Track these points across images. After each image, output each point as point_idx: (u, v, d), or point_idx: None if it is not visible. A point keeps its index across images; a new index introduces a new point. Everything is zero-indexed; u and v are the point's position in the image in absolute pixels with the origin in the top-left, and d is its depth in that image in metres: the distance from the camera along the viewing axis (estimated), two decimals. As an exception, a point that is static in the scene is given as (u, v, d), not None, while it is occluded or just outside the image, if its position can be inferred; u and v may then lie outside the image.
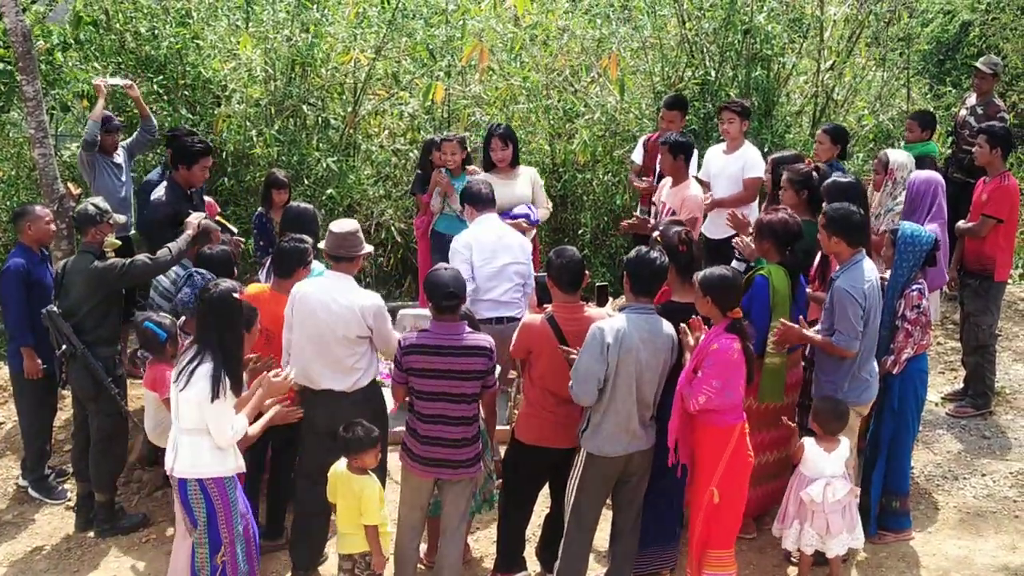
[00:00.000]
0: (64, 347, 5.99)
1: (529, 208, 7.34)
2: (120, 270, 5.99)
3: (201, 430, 4.70)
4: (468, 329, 5.04)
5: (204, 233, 6.41)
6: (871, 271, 5.43)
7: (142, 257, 6.09)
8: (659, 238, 5.35)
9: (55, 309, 5.98)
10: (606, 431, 4.88)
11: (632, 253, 5.02)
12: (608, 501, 5.27)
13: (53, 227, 6.52)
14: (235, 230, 7.24)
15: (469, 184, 6.65)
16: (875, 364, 5.57)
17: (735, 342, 4.86)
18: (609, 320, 4.89)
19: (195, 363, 4.68)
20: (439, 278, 4.98)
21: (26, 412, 6.55)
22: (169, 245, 6.15)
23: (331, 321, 5.22)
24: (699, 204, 7.03)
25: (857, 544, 5.51)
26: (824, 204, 5.93)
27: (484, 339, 5.04)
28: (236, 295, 4.79)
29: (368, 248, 5.49)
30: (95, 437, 6.12)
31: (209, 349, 4.69)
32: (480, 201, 6.49)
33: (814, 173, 6.29)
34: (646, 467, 5.09)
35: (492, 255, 6.30)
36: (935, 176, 6.88)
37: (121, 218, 6.36)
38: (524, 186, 7.53)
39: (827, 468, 5.35)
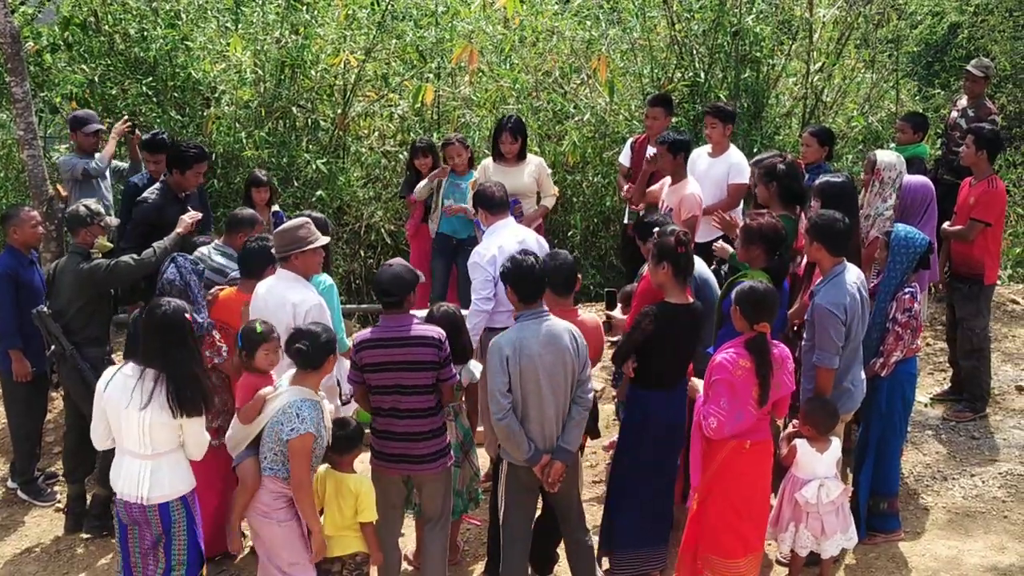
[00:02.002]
0: (53, 347, 5.98)
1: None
2: (105, 271, 5.98)
3: (176, 448, 4.60)
4: (417, 320, 5.07)
5: (249, 223, 6.15)
6: (853, 282, 5.37)
7: (126, 258, 6.06)
8: (656, 235, 5.34)
9: (45, 310, 5.98)
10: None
11: (507, 263, 4.97)
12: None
13: (40, 229, 6.49)
14: None
15: (483, 187, 6.44)
16: (860, 373, 5.56)
17: (742, 358, 4.82)
18: (505, 333, 4.91)
19: (154, 385, 4.49)
20: (380, 276, 5.06)
21: (15, 414, 6.54)
22: (155, 244, 6.11)
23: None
24: (698, 202, 6.92)
25: (851, 544, 5.51)
26: (812, 203, 5.95)
27: (433, 330, 5.06)
28: (186, 315, 4.57)
29: (303, 247, 5.35)
30: None
31: (161, 370, 4.50)
32: (494, 205, 6.27)
33: (779, 165, 6.27)
34: (573, 471, 5.06)
35: None
36: (929, 182, 6.90)
37: (114, 220, 6.32)
38: (527, 177, 7.54)
39: (820, 469, 5.35)
